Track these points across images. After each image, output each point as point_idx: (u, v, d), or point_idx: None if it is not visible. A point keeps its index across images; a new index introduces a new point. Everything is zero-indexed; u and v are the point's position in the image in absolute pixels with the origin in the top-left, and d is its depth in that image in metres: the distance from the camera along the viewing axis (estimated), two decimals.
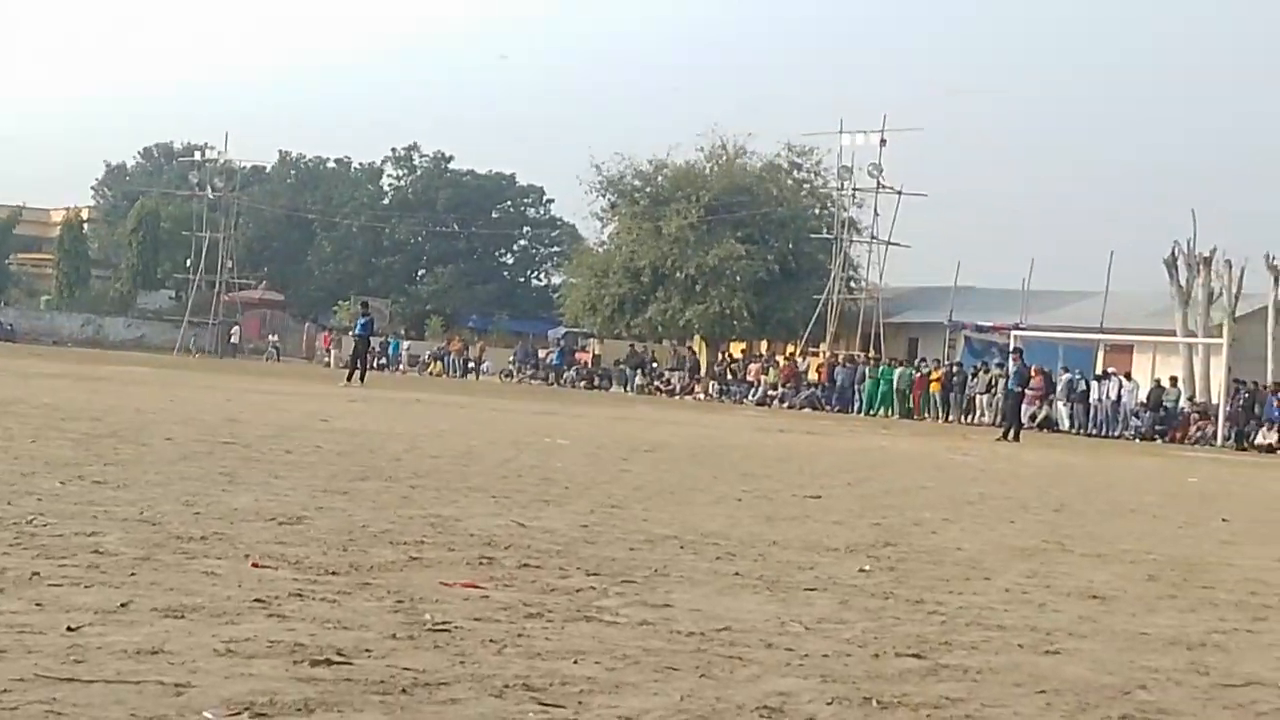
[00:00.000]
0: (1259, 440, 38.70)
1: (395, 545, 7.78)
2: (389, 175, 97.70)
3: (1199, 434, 40.63)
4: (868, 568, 8.44)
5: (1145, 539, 11.50)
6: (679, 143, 68.05)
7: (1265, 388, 40.78)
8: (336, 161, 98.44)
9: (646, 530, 9.41)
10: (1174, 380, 43.61)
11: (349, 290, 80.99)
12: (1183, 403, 42.89)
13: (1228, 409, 40.20)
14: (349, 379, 38.13)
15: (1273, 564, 10.35)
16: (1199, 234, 47.20)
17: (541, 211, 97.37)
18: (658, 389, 56.63)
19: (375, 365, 55.25)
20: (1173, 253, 47.36)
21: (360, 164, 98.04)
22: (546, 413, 29.86)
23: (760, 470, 16.74)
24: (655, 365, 60.03)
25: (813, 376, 52.44)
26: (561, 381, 60.35)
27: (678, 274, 60.67)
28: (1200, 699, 5.43)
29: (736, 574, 7.77)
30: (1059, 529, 11.83)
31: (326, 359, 66.48)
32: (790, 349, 59.32)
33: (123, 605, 5.55)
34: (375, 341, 53.84)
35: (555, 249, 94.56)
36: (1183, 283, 47.08)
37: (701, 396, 54.10)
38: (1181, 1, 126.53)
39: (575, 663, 5.13)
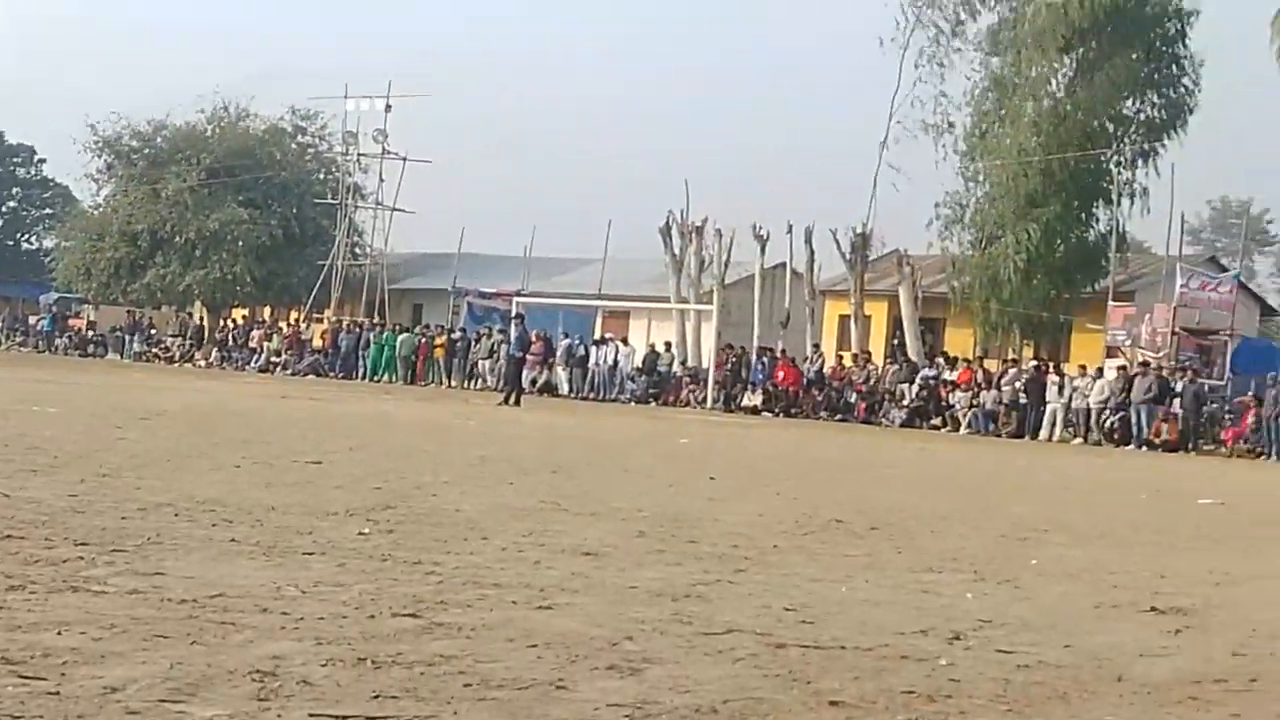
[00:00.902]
0: (745, 402, 40.47)
1: None
2: None
3: (691, 396, 42.20)
4: (367, 531, 8.46)
5: (637, 497, 11.91)
6: (180, 103, 66.20)
7: (751, 352, 42.63)
8: None
9: (140, 498, 9.17)
10: (668, 345, 45.11)
11: None
12: (676, 367, 44.42)
13: (717, 373, 41.89)
14: None
15: (754, 518, 10.88)
16: (691, 204, 48.91)
17: (32, 172, 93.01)
18: (157, 356, 54.98)
19: None
20: (667, 222, 48.90)
21: None
22: (37, 380, 28.60)
23: (261, 437, 16.52)
24: (154, 332, 58.29)
25: (317, 343, 51.98)
26: (54, 349, 57.87)
27: (177, 238, 59.26)
28: (683, 647, 5.67)
29: (233, 540, 7.67)
30: (556, 489, 12.13)
31: None
32: (294, 315, 58.65)
33: None
34: None
35: (47, 211, 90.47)
36: (676, 251, 48.67)
37: (203, 364, 52.82)
38: None
39: (59, 634, 4.97)
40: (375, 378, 46.87)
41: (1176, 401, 34.01)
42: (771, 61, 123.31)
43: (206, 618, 5.46)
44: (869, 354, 42.61)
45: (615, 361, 43.88)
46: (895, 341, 46.01)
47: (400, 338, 47.70)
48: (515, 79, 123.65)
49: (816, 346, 43.38)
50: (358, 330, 50.60)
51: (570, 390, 43.69)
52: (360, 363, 48.64)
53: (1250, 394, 33.98)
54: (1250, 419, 33.32)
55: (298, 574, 6.72)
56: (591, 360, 44.31)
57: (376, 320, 52.71)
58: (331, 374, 48.54)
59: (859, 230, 45.63)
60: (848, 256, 45.63)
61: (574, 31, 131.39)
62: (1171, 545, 11.37)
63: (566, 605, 6.43)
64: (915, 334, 43.77)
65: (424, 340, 47.48)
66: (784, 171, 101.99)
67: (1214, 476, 24.06)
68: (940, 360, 39.96)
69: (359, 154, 58.78)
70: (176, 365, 52.16)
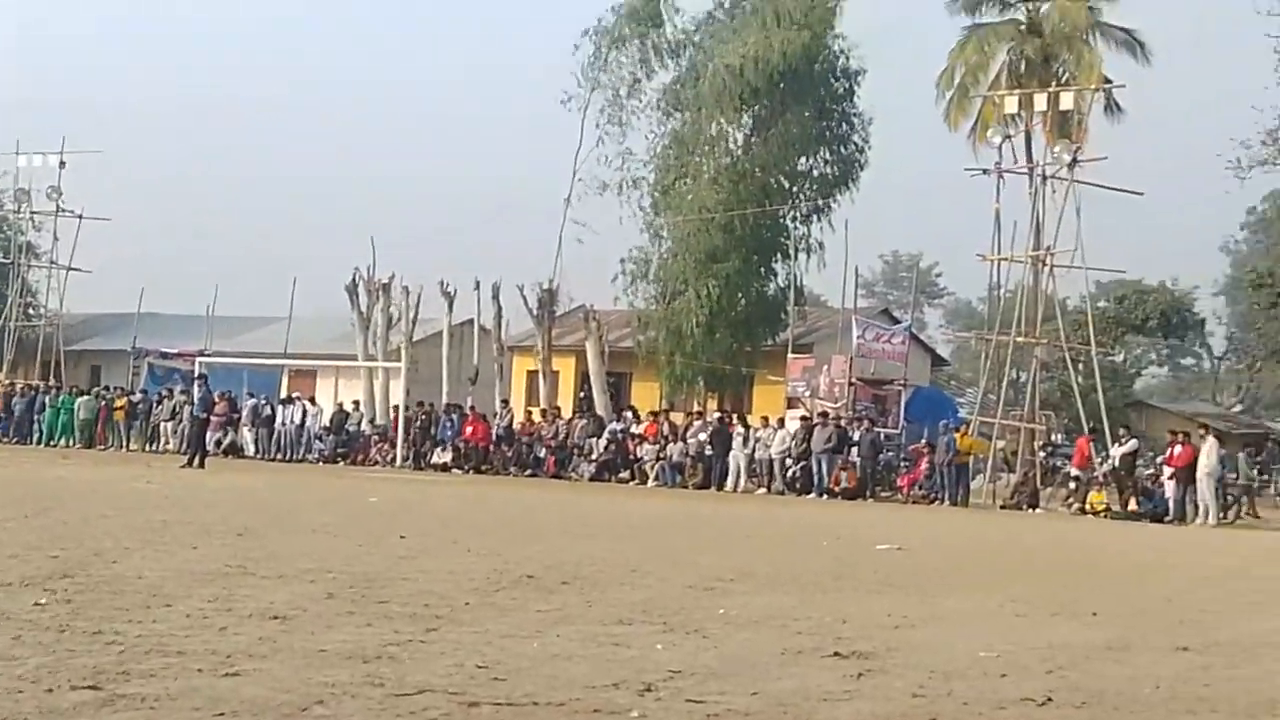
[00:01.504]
0: (435, 460, 40.32)
1: None
2: None
3: (380, 455, 41.85)
4: (44, 600, 8.20)
5: (326, 558, 11.76)
6: None
7: (440, 409, 42.50)
8: None
9: None
10: (356, 404, 44.70)
11: None
12: (365, 425, 44.02)
13: (406, 431, 41.65)
14: None
15: (446, 576, 10.86)
16: (378, 261, 48.63)
17: None
18: None
19: None
20: (353, 279, 48.53)
21: None
22: None
23: None
24: None
25: None
26: None
27: None
28: (375, 709, 5.64)
29: None
30: (242, 552, 11.91)
31: None
32: None
33: None
34: None
35: None
36: (363, 308, 48.32)
37: None
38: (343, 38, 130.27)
39: None
40: (52, 442, 45.32)
41: (854, 450, 35.00)
42: (455, 116, 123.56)
43: None
44: (558, 409, 42.91)
45: (302, 421, 43.23)
46: (583, 395, 46.44)
47: (79, 400, 46.22)
48: (192, 136, 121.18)
49: (505, 402, 43.46)
50: (32, 393, 48.87)
51: (256, 451, 42.92)
52: (36, 427, 46.99)
53: (924, 441, 35.25)
54: (924, 465, 34.53)
55: None
56: (278, 420, 43.57)
57: (52, 383, 50.98)
58: (4, 439, 46.77)
59: (545, 286, 46.02)
60: (535, 312, 45.94)
61: (248, 85, 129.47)
62: (852, 590, 11.71)
63: (254, 671, 6.33)
64: (602, 388, 44.27)
65: (103, 403, 46.13)
66: (471, 228, 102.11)
67: (891, 522, 24.86)
68: (628, 414, 40.43)
69: (31, 211, 56.88)
70: None
